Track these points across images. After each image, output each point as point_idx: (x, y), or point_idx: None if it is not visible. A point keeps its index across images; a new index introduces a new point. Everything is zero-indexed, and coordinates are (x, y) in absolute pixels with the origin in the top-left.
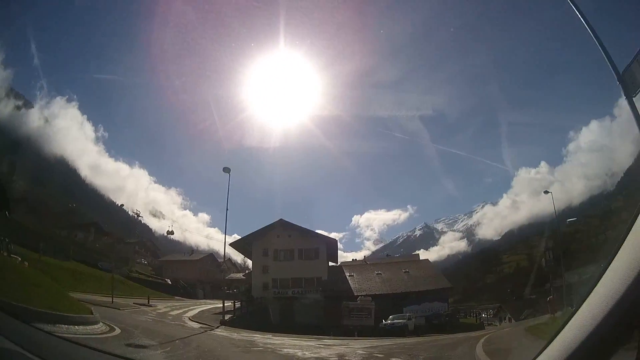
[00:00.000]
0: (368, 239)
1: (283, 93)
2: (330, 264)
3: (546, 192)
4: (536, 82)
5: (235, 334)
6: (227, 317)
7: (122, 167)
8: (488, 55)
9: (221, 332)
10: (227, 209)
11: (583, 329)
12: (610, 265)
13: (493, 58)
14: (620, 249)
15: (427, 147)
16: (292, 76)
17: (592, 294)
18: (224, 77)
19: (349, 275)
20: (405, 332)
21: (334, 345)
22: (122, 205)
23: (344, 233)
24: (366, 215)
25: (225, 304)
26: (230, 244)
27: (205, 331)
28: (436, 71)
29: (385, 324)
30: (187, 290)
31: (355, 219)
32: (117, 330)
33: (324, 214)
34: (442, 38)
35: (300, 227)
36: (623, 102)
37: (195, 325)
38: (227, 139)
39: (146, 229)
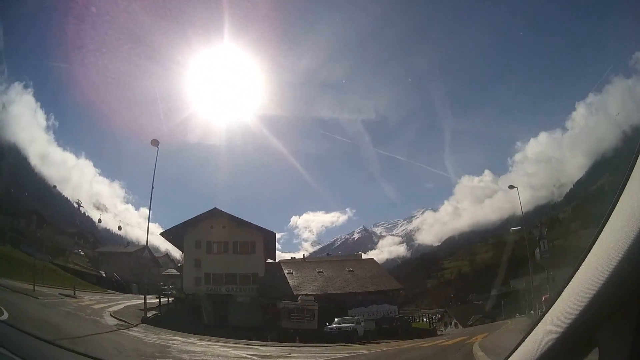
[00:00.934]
0: (306, 240)
1: (226, 90)
2: (269, 260)
3: (511, 187)
4: (483, 91)
5: (153, 335)
6: (152, 314)
7: (69, 158)
8: (434, 62)
9: (136, 331)
10: (152, 187)
11: (553, 330)
12: (579, 269)
13: (439, 65)
14: (590, 253)
15: (368, 150)
16: (235, 73)
17: (562, 295)
18: (168, 73)
19: (288, 273)
20: (354, 337)
21: (271, 356)
22: (66, 196)
23: (282, 233)
24: (305, 216)
25: (153, 300)
26: (162, 234)
27: (119, 329)
28: (380, 75)
29: (330, 328)
30: (120, 284)
31: (294, 219)
32: (5, 315)
33: (263, 213)
34: (388, 42)
35: (236, 217)
36: (576, 115)
37: (113, 322)
38: (171, 134)
39: (89, 221)
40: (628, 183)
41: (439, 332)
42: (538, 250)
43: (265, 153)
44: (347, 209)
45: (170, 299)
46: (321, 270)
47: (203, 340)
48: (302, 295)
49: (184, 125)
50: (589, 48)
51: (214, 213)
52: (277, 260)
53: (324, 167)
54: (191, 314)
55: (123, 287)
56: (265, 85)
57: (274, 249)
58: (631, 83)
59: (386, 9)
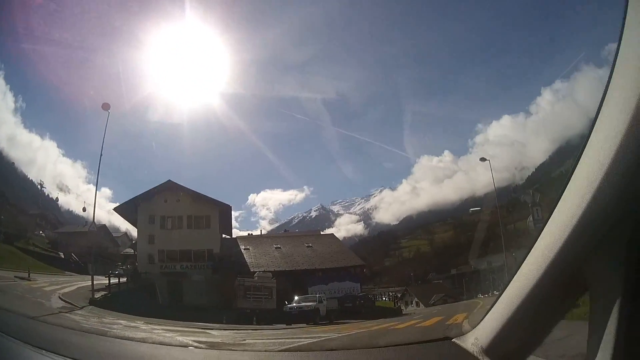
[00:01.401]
0: (263, 218)
1: (188, 68)
2: (225, 236)
3: (483, 159)
4: (447, 75)
5: (94, 319)
6: (101, 295)
7: (35, 139)
8: (400, 48)
9: (80, 314)
10: (100, 155)
11: (539, 267)
12: (561, 198)
13: (405, 51)
14: (570, 180)
15: (327, 129)
16: (198, 51)
17: (546, 228)
18: (130, 50)
19: (244, 249)
20: (316, 317)
21: (222, 343)
22: (31, 178)
23: (240, 211)
24: (262, 194)
25: (105, 281)
26: (115, 209)
27: (60, 312)
28: (345, 58)
29: (290, 308)
30: (78, 265)
31: (252, 197)
32: None
33: (222, 190)
34: (356, 27)
35: (190, 190)
36: (542, 100)
37: (59, 304)
38: (134, 113)
39: (52, 202)
40: (603, 106)
41: (403, 312)
42: (531, 218)
43: (226, 131)
44: (305, 187)
45: (121, 278)
46: (279, 246)
47: (150, 324)
48: (259, 271)
49: (146, 103)
50: (558, 35)
51: (168, 186)
52: (233, 236)
53: (282, 145)
54: (144, 294)
55: (81, 268)
56: (228, 63)
57: (230, 224)
58: (602, 73)
59: None
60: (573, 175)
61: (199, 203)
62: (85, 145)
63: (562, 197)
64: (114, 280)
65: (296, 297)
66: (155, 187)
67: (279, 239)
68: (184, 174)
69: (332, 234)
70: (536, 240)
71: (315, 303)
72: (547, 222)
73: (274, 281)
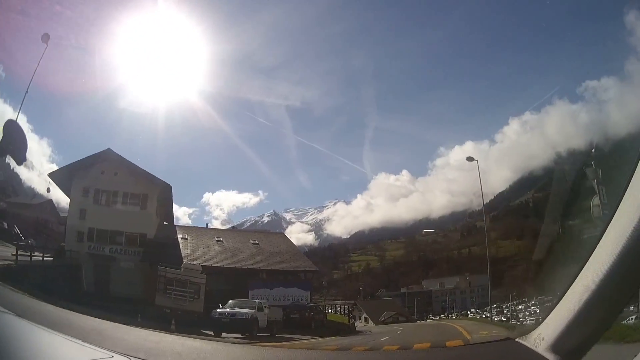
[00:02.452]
0: (216, 219)
1: (157, 60)
2: (165, 223)
3: (470, 158)
4: (413, 95)
5: None
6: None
7: (7, 110)
8: (369, 61)
9: None
10: (26, 92)
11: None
12: (612, 221)
13: (373, 65)
14: (619, 208)
15: (288, 136)
16: (168, 45)
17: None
18: (101, 40)
19: (182, 238)
20: (253, 329)
21: None
22: None
23: (194, 209)
24: (218, 194)
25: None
26: (50, 174)
27: None
28: (314, 67)
29: (220, 314)
30: (18, 237)
31: (207, 196)
32: None
33: (178, 185)
34: (327, 36)
35: (130, 162)
36: (508, 129)
37: None
38: (104, 101)
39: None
40: None
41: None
42: (598, 201)
43: (188, 127)
44: (260, 192)
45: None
46: (221, 239)
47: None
48: (188, 262)
49: (114, 92)
50: (533, 67)
51: (107, 156)
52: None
53: (243, 147)
54: (68, 275)
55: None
56: (198, 59)
57: (170, 209)
58: (575, 109)
59: (331, 5)
60: (629, 188)
61: (136, 178)
62: (55, 127)
63: (617, 211)
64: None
65: (230, 301)
66: (94, 155)
67: (224, 232)
68: (147, 165)
69: (283, 233)
70: (595, 247)
71: (253, 310)
72: (602, 233)
73: (203, 277)
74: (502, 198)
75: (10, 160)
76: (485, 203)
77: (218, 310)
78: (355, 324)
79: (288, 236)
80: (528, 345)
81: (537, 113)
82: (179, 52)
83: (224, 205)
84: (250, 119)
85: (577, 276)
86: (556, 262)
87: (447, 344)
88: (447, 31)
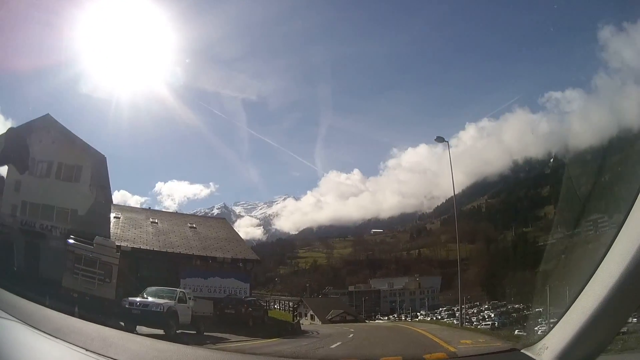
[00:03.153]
0: (167, 209)
1: (116, 46)
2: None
3: (440, 139)
4: (368, 96)
5: None
6: None
7: None
8: (327, 60)
9: None
10: None
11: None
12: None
13: (331, 64)
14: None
15: (242, 130)
16: (127, 30)
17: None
18: (60, 23)
19: (115, 217)
20: (170, 325)
21: None
22: None
23: (145, 198)
24: (170, 184)
25: None
26: None
27: None
28: (272, 62)
29: (131, 303)
30: None
31: (159, 185)
32: None
33: (129, 173)
34: (288, 33)
35: (68, 130)
36: (464, 134)
37: None
38: (66, 86)
39: None
40: None
41: (302, 329)
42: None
43: (144, 114)
44: (211, 184)
45: None
46: (156, 221)
47: None
48: (101, 237)
49: (73, 76)
50: (495, 75)
51: (46, 122)
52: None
53: (196, 138)
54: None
55: None
56: (157, 48)
57: (107, 184)
58: (535, 118)
59: (294, 2)
60: (636, 203)
61: (71, 148)
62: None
63: (625, 223)
64: None
65: (149, 289)
66: (32, 121)
67: (161, 214)
68: (104, 150)
69: (224, 219)
70: (603, 258)
71: (172, 302)
72: (609, 246)
73: (116, 256)
74: (452, 202)
75: None
76: (437, 206)
77: (129, 298)
78: (301, 322)
79: (237, 229)
80: (534, 356)
81: (496, 120)
82: (139, 38)
83: (175, 195)
84: (206, 110)
85: (583, 288)
86: (510, 268)
87: (427, 357)
88: (408, 34)
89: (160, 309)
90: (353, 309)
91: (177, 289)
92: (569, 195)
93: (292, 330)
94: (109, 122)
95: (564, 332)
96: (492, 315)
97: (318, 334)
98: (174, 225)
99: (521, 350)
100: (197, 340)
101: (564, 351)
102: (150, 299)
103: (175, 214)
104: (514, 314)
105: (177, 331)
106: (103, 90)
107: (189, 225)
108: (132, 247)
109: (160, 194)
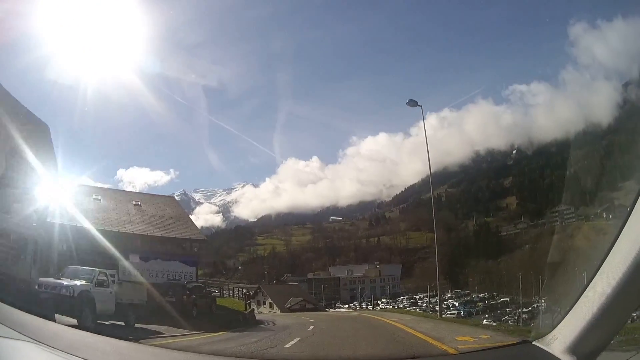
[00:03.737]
0: None
1: (79, 31)
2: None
3: (412, 102)
4: (328, 82)
5: None
6: None
7: None
8: (287, 46)
9: None
10: None
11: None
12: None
13: (291, 50)
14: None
15: (202, 116)
16: (90, 15)
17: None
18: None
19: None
20: (85, 313)
21: None
22: None
23: (108, 185)
24: (131, 170)
25: None
26: None
27: None
28: (233, 48)
29: (42, 285)
30: None
31: (120, 172)
32: None
33: (92, 160)
34: (249, 19)
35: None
36: (426, 124)
37: None
38: (28, 71)
39: None
40: None
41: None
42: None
43: (105, 100)
44: (171, 170)
45: None
46: (99, 198)
47: None
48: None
49: (36, 61)
50: (457, 65)
51: None
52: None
53: (157, 124)
54: None
55: None
56: (120, 32)
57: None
58: (498, 110)
59: None
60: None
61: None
62: None
63: (630, 216)
64: None
65: (68, 268)
66: None
67: (106, 191)
68: (66, 137)
69: (173, 196)
70: (609, 250)
71: (88, 285)
72: (616, 238)
73: (34, 228)
74: (412, 191)
75: None
76: (396, 194)
77: (41, 279)
78: (260, 310)
79: (197, 217)
80: (544, 347)
81: (457, 110)
82: (103, 22)
83: (136, 182)
84: (168, 96)
85: (592, 280)
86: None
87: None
88: (368, 24)
89: (70, 292)
90: (312, 297)
91: (97, 269)
92: (533, 186)
93: (244, 321)
94: (71, 108)
95: (574, 323)
96: (457, 304)
97: (274, 324)
98: (118, 202)
99: (532, 342)
100: (123, 333)
101: (574, 342)
102: (64, 281)
103: (121, 191)
104: (480, 303)
105: (97, 321)
106: (66, 76)
107: (134, 202)
108: (60, 223)
109: (121, 180)
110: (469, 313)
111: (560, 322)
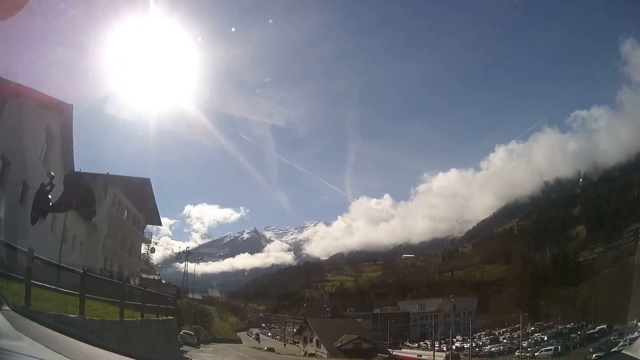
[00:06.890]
0: (196, 231)
1: (146, 70)
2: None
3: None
4: (397, 122)
5: None
6: None
7: None
8: (354, 86)
9: None
10: None
11: None
12: None
13: (358, 90)
14: None
15: (270, 155)
16: (158, 51)
17: None
18: (92, 44)
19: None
20: None
21: None
22: None
23: (174, 220)
24: (199, 207)
25: None
26: None
27: None
28: (300, 87)
29: None
30: None
31: (188, 208)
32: None
33: (158, 197)
34: (315, 58)
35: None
36: (494, 157)
37: None
38: (94, 108)
39: None
40: None
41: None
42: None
43: (174, 138)
44: (241, 208)
45: None
46: None
47: None
48: None
49: (105, 98)
50: (522, 97)
51: None
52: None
53: (226, 162)
54: None
55: None
56: (187, 71)
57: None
58: (563, 139)
59: (322, 28)
60: None
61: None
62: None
63: None
64: None
65: None
66: None
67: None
68: (130, 172)
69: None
70: None
71: None
72: None
73: None
74: (484, 225)
75: None
76: (468, 230)
77: None
78: (305, 349)
79: (267, 254)
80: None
81: (525, 141)
82: (170, 61)
83: (204, 218)
84: (234, 134)
85: None
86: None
87: None
88: (438, 57)
89: None
90: (371, 334)
91: None
92: (600, 213)
93: None
94: (137, 144)
95: None
96: (545, 339)
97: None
98: None
99: (622, 352)
100: None
101: None
102: None
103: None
104: (573, 335)
105: None
106: (134, 114)
107: None
108: None
109: (189, 216)
110: (565, 347)
111: None
